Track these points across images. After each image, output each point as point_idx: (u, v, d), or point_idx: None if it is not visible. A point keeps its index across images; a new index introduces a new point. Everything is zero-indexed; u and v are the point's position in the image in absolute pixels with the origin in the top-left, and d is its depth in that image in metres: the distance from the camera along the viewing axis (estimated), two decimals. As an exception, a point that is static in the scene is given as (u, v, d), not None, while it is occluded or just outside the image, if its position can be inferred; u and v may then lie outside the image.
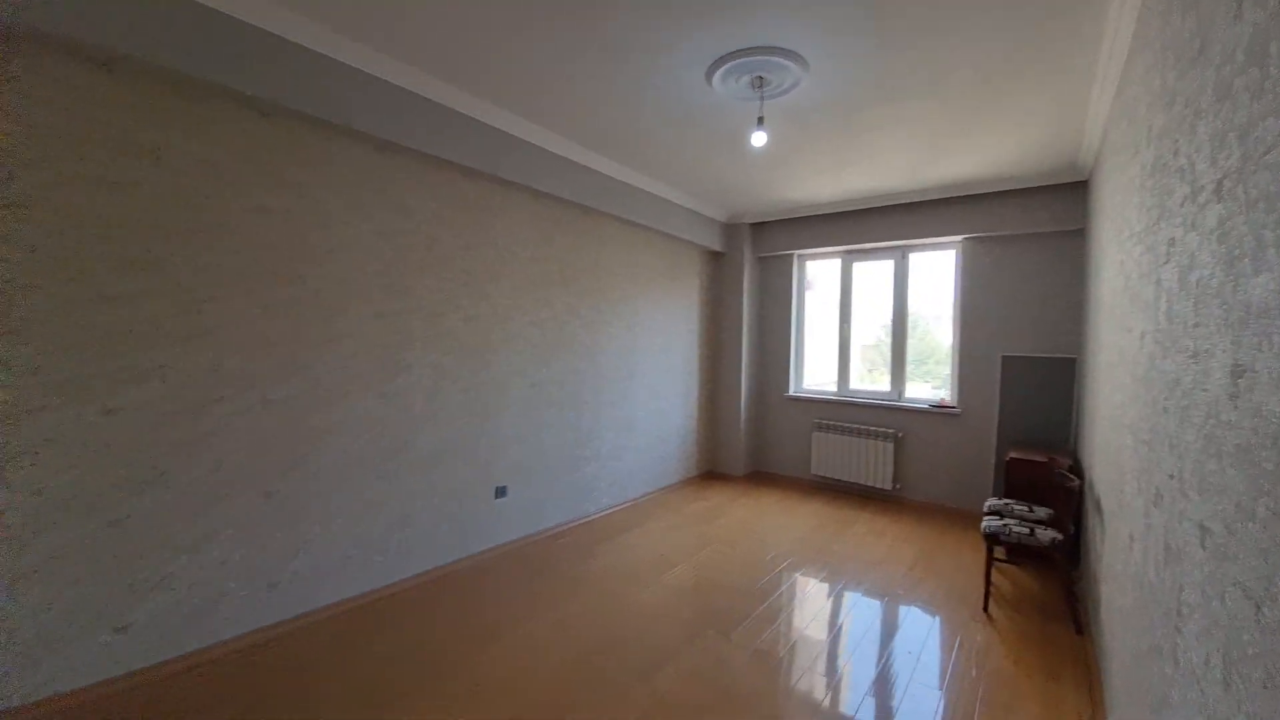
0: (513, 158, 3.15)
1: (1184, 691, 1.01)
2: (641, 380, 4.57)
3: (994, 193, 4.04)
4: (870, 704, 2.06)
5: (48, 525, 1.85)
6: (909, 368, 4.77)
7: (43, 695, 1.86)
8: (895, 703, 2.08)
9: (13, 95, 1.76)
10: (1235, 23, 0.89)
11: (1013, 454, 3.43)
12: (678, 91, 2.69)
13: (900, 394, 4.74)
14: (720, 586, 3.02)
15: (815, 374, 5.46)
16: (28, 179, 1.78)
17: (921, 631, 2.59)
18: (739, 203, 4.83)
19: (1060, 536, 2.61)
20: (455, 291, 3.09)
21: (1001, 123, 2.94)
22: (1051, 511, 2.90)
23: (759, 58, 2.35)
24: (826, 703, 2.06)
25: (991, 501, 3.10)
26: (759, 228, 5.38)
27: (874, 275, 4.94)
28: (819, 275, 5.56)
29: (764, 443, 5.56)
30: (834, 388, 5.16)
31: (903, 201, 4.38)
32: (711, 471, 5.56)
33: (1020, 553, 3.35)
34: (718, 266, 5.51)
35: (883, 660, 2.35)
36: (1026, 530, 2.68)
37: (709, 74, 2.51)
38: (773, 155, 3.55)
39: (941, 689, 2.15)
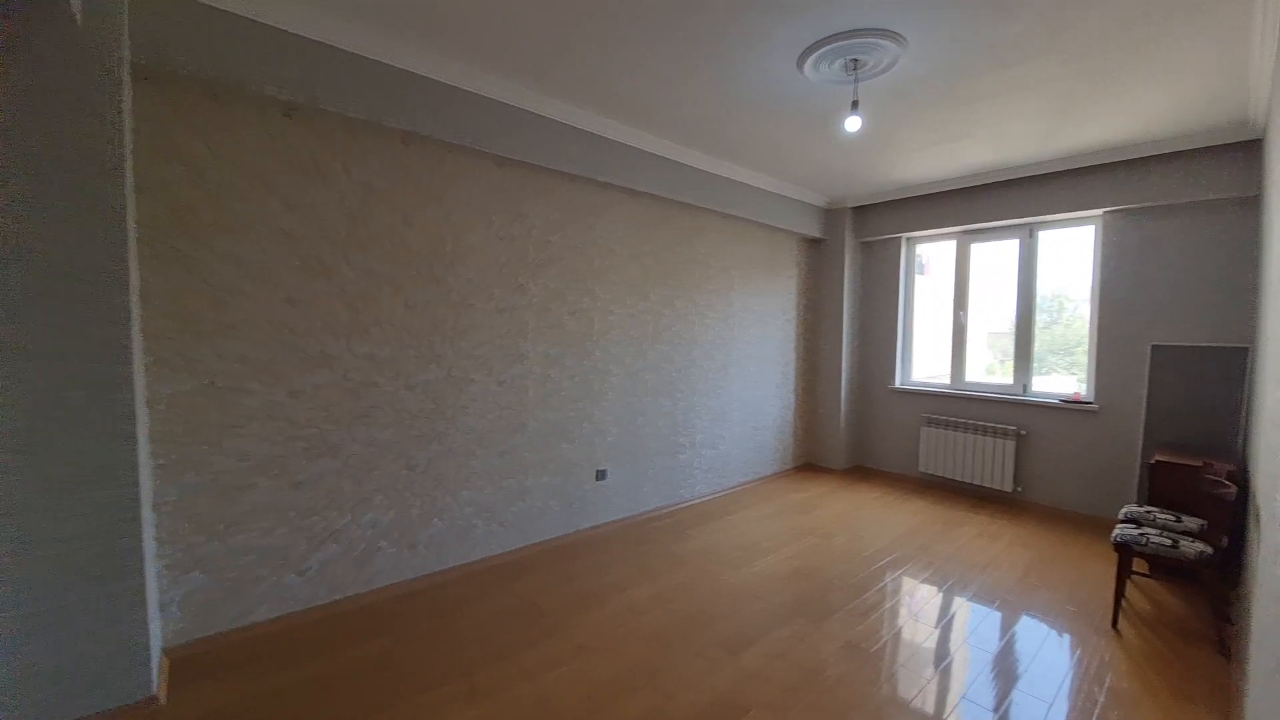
0: (612, 161, 3.34)
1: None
2: (736, 370, 4.62)
3: (1143, 158, 3.55)
4: (969, 710, 2.01)
5: (249, 485, 2.34)
6: (1035, 359, 4.35)
7: (244, 622, 2.36)
8: (998, 712, 2.00)
9: (225, 141, 2.22)
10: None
11: (1159, 456, 3.05)
12: (768, 82, 2.70)
13: (1025, 387, 4.34)
14: (813, 577, 3.03)
15: (925, 365, 5.15)
16: (236, 207, 2.25)
17: (1034, 642, 2.43)
18: (839, 187, 4.67)
19: (1210, 550, 2.31)
20: (562, 288, 3.36)
21: (1147, 76, 2.59)
22: (1204, 523, 2.56)
23: (853, 41, 2.31)
24: (919, 702, 2.04)
25: (1130, 509, 2.80)
26: (862, 211, 5.15)
27: (995, 257, 4.55)
28: (932, 259, 5.22)
29: (866, 436, 5.36)
30: (947, 380, 4.84)
31: (1029, 174, 3.98)
32: (809, 464, 5.47)
33: (1161, 567, 2.99)
34: (817, 254, 5.36)
35: (986, 667, 2.26)
36: (1169, 542, 2.41)
37: (800, 62, 2.50)
38: (874, 135, 3.41)
39: (1051, 702, 2.04)
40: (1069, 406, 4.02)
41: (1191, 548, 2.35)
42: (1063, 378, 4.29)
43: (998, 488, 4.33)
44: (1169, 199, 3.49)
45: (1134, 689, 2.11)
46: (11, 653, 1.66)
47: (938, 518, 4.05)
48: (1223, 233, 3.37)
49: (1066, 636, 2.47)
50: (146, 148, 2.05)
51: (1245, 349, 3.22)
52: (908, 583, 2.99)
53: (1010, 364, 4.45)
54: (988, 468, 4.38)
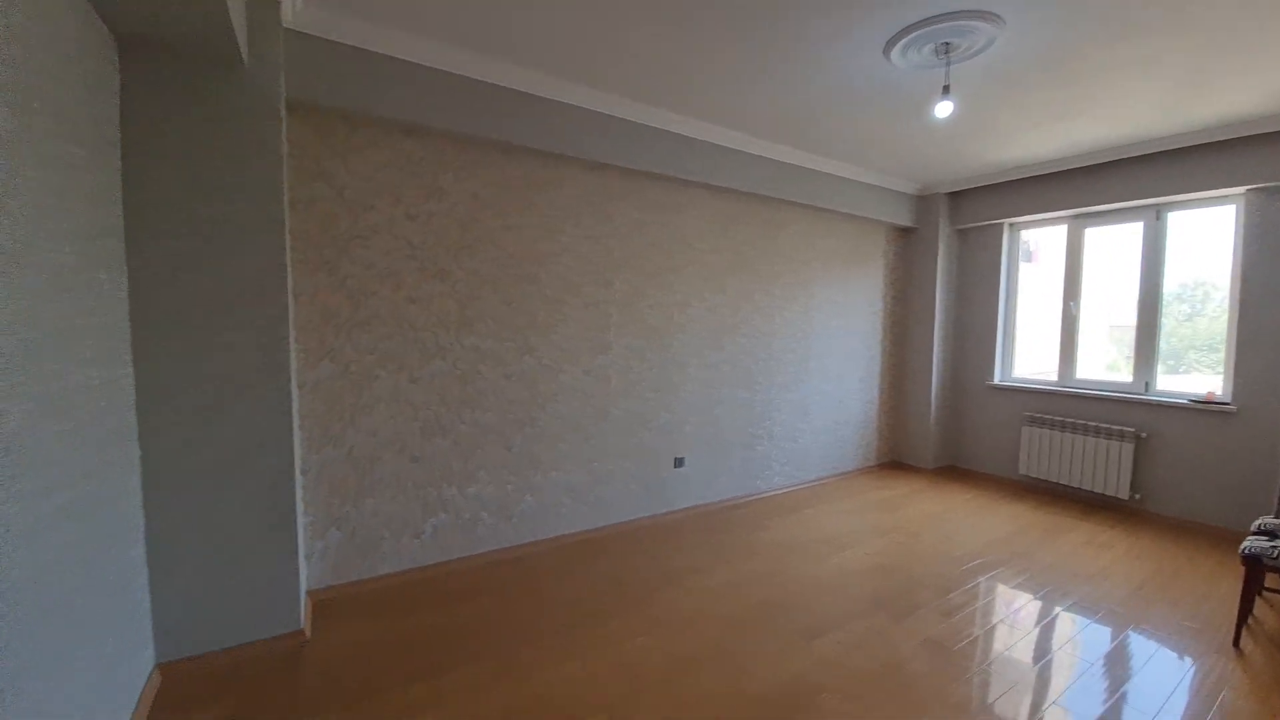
0: (693, 159, 3.44)
1: None
2: (817, 364, 4.56)
3: (1299, 129, 3.11)
4: (1059, 717, 1.94)
5: (377, 459, 2.70)
6: (1171, 355, 3.91)
7: (372, 575, 2.74)
8: None
9: (358, 161, 2.57)
10: None
11: (1312, 467, 2.70)
12: (853, 72, 2.68)
13: (1148, 385, 3.94)
14: (894, 574, 2.99)
15: (1029, 361, 4.80)
16: (368, 218, 2.60)
17: (1141, 656, 2.27)
18: (932, 172, 4.45)
19: (1367, 572, 2.04)
20: (643, 283, 3.52)
21: (1303, 44, 2.30)
22: (1364, 542, 2.26)
23: (944, 24, 2.24)
24: (1005, 704, 1.99)
25: (1265, 520, 2.51)
26: (958, 197, 4.87)
27: (1115, 243, 4.14)
28: (1040, 246, 4.83)
29: (959, 435, 5.09)
30: (1054, 376, 4.49)
31: (1155, 150, 3.59)
32: (896, 462, 5.29)
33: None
34: (907, 243, 5.14)
35: (1083, 676, 2.15)
36: (1313, 559, 2.15)
37: (887, 49, 2.46)
38: (970, 118, 3.25)
39: (1154, 716, 1.92)
40: (1200, 407, 3.61)
41: (1341, 568, 2.09)
42: (1205, 377, 3.80)
43: (1111, 494, 3.98)
44: (1336, 172, 3.03)
45: (1251, 708, 1.93)
46: (203, 586, 2.08)
47: (1038, 523, 3.80)
48: None
49: (1179, 652, 2.28)
50: (297, 169, 2.42)
51: None
52: (1000, 587, 2.87)
53: (1119, 360, 4.05)
54: (1100, 472, 4.03)
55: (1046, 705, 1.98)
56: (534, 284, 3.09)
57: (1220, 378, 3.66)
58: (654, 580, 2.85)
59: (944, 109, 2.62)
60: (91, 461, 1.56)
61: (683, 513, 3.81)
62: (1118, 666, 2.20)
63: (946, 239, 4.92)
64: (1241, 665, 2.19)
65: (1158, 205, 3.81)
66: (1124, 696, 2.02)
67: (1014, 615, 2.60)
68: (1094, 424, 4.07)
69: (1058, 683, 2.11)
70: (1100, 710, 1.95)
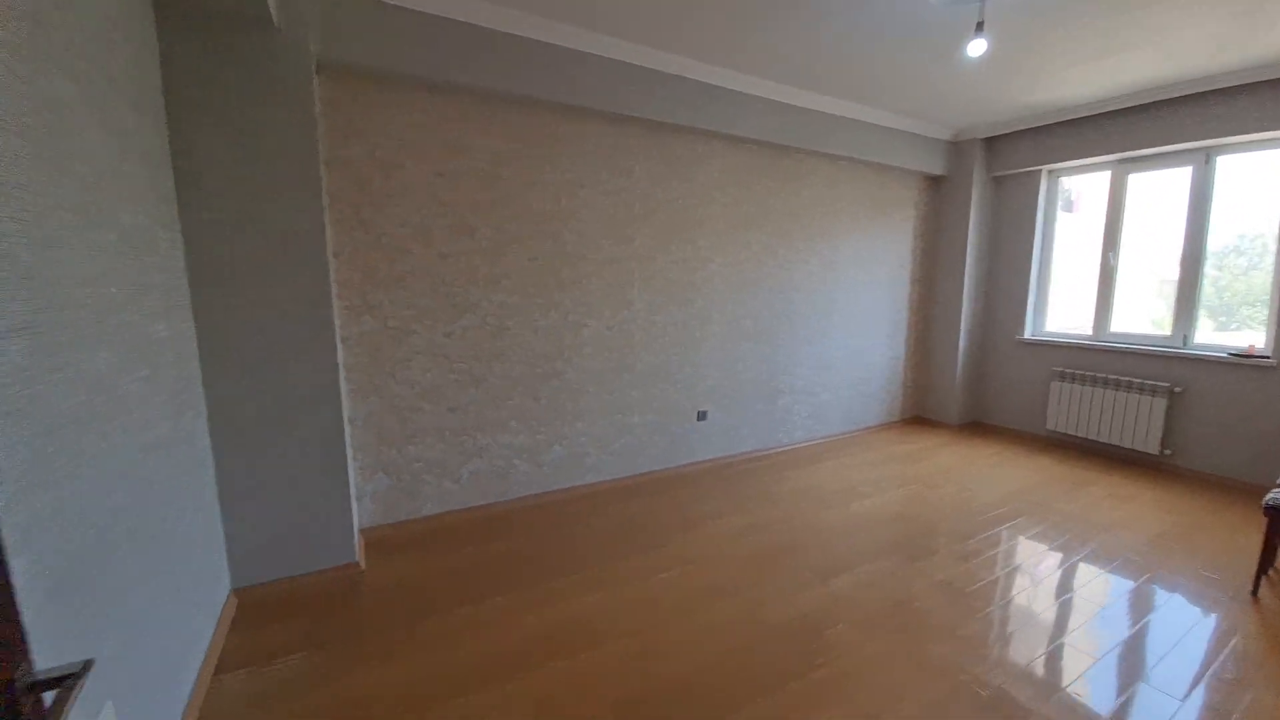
0: (713, 108, 3.38)
1: None
2: (840, 318, 4.55)
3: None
4: (1068, 654, 2.03)
5: (417, 409, 2.87)
6: (1216, 310, 3.77)
7: (416, 515, 2.95)
8: (1099, 658, 2.00)
9: (389, 120, 2.62)
10: None
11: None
12: (880, 8, 2.57)
13: (1185, 339, 3.84)
14: (913, 522, 3.08)
15: (1062, 315, 4.69)
16: (400, 176, 2.67)
17: (1154, 601, 2.34)
18: (967, 116, 4.27)
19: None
20: (665, 238, 3.54)
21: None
22: (1394, 492, 2.24)
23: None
24: (1013, 641, 2.09)
25: (1294, 472, 2.49)
26: (994, 142, 4.67)
27: (1161, 189, 3.95)
28: (1082, 194, 4.63)
29: (986, 390, 5.06)
30: (1088, 330, 4.39)
31: (1206, 89, 3.38)
32: (920, 417, 5.30)
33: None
34: (938, 192, 4.98)
35: (1092, 618, 2.23)
36: (1338, 509, 2.15)
37: (922, -13, 2.35)
38: (1006, 56, 3.10)
39: (1164, 656, 2.00)
40: (1239, 361, 3.52)
41: (1366, 516, 2.09)
42: (1256, 334, 3.59)
43: (1140, 449, 3.95)
44: None
45: (1260, 651, 1.99)
46: (268, 521, 2.29)
47: (1061, 476, 3.82)
48: None
49: (1195, 599, 2.34)
50: (331, 129, 2.50)
51: None
52: (1017, 536, 2.94)
53: (1157, 313, 3.93)
54: (1130, 427, 3.99)
55: (1055, 642, 2.07)
56: (556, 240, 3.15)
57: (1224, 329, 3.53)
58: (676, 525, 3.01)
59: (977, 47, 2.51)
60: (168, 406, 1.73)
61: (705, 464, 3.94)
62: (1131, 611, 2.28)
63: (980, 187, 4.75)
64: (1258, 613, 2.23)
65: (1207, 148, 3.61)
66: (1134, 638, 2.10)
67: (1029, 561, 2.68)
68: (1126, 379, 4.01)
69: (1068, 623, 2.20)
70: (1108, 649, 2.04)
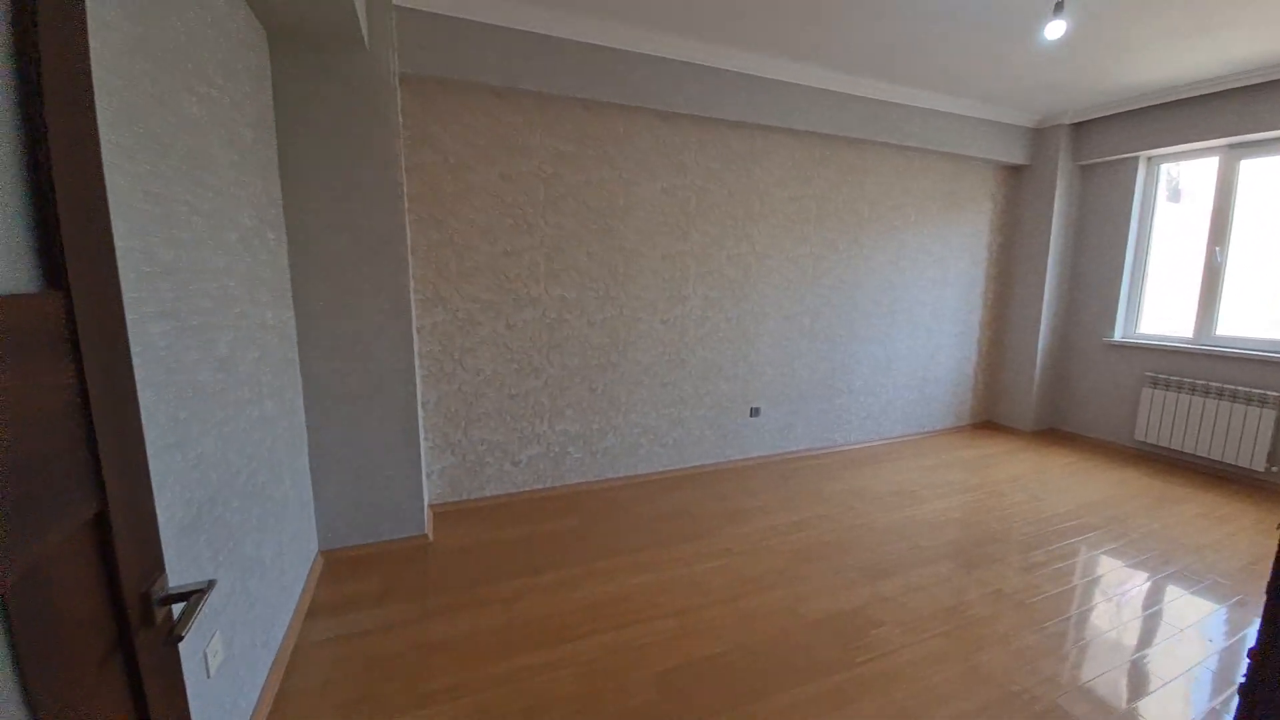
0: (772, 102, 3.37)
1: None
2: (905, 316, 4.40)
3: None
4: (1135, 676, 1.93)
5: (480, 395, 3.08)
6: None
7: (478, 496, 3.17)
8: (1167, 680, 1.89)
9: (458, 127, 2.82)
10: None
11: None
12: None
13: (1306, 345, 3.45)
14: (972, 529, 2.97)
15: (1157, 316, 4.31)
16: (468, 179, 2.87)
17: (1239, 630, 2.15)
18: (1052, 100, 3.99)
19: None
20: (721, 234, 3.57)
21: None
22: None
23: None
24: (1073, 657, 2.01)
25: None
26: (1083, 128, 4.34)
27: (1278, 177, 3.55)
28: (1187, 183, 4.23)
29: (1066, 395, 4.74)
30: (1188, 333, 4.02)
31: (1347, 65, 3.00)
32: (990, 422, 5.04)
33: None
34: (1017, 183, 4.69)
35: (1167, 640, 2.09)
36: None
37: (995, -29, 2.26)
38: (1095, 35, 2.90)
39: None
40: (1373, 370, 3.12)
41: None
42: None
43: (1244, 466, 3.59)
44: None
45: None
46: (351, 491, 2.56)
47: (1146, 490, 3.54)
48: None
49: (1290, 628, 2.14)
50: (409, 138, 2.72)
51: None
52: (1089, 550, 2.77)
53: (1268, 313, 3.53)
54: (1232, 441, 3.63)
55: (1123, 661, 1.97)
56: (613, 237, 3.26)
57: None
58: (723, 517, 3.06)
59: (1055, 29, 2.38)
60: (275, 383, 1.99)
61: (757, 460, 3.96)
62: (1214, 635, 2.12)
63: (1067, 176, 4.43)
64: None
65: (1344, 130, 3.21)
66: (1211, 666, 1.96)
67: (1101, 577, 2.53)
68: (1231, 387, 3.64)
69: (1140, 643, 2.08)
70: (1182, 672, 1.92)
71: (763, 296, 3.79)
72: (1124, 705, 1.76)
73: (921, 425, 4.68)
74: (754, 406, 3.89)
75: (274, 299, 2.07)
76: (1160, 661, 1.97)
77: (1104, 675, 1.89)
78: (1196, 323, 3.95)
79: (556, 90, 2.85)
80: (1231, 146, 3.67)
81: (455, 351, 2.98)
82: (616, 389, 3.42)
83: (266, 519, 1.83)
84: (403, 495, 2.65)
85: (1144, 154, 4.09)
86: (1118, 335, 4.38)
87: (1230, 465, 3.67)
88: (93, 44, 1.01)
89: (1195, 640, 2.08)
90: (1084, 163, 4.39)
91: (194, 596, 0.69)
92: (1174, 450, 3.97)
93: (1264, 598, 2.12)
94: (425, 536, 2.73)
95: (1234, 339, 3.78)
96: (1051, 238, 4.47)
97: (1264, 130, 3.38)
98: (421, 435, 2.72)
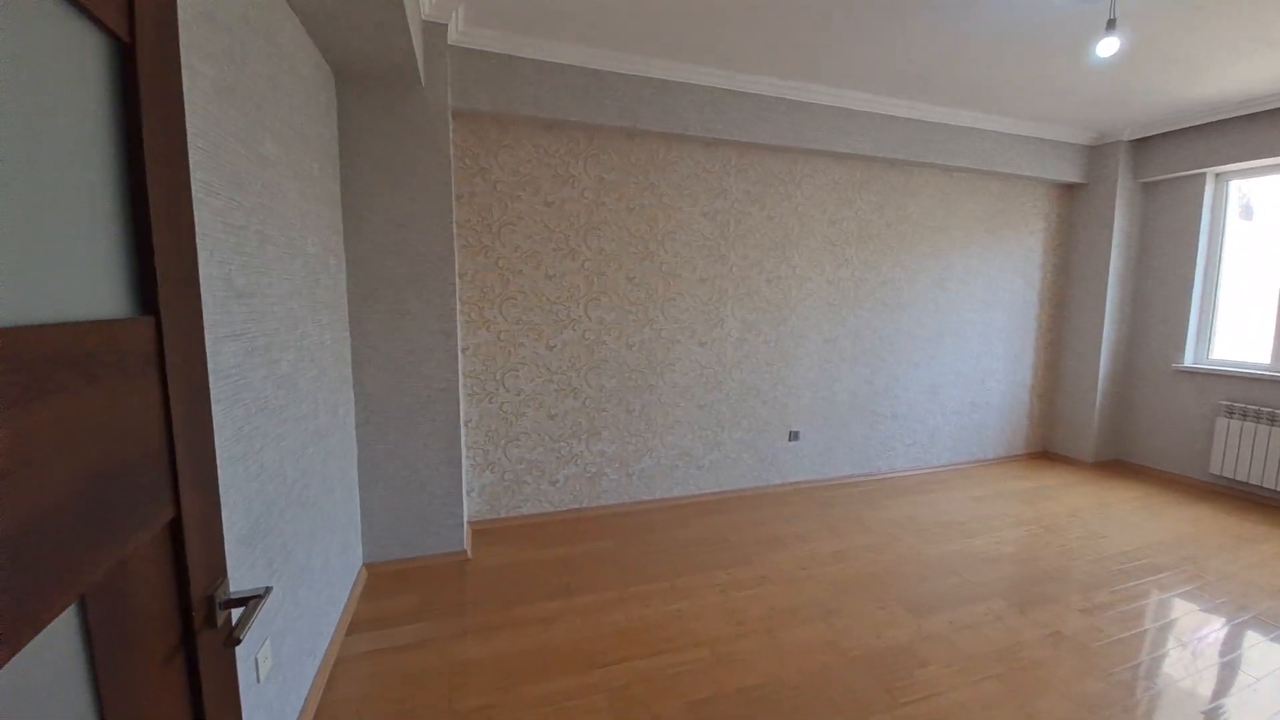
0: (813, 126, 3.38)
1: None
2: (952, 340, 4.26)
3: None
4: (1210, 724, 1.77)
5: (520, 414, 3.15)
6: None
7: (516, 513, 3.22)
8: (1253, 736, 1.72)
9: (507, 156, 2.95)
10: None
11: None
12: (998, 12, 2.45)
13: None
14: (1028, 565, 2.81)
15: (1232, 340, 4.02)
16: (515, 206, 2.99)
17: (1343, 685, 1.95)
18: (1111, 117, 3.85)
19: None
20: (760, 257, 3.57)
21: None
22: None
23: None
24: (1142, 707, 1.86)
25: None
26: (1144, 144, 4.15)
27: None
28: (1258, 200, 3.97)
29: (1130, 425, 4.45)
30: (1266, 359, 3.73)
31: None
32: (1046, 452, 4.78)
33: None
34: (1073, 203, 4.51)
35: (1247, 692, 1.91)
36: None
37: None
38: (1152, 49, 2.79)
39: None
40: None
41: None
42: None
43: (1340, 505, 3.27)
44: None
45: None
46: (395, 506, 2.64)
47: (1223, 529, 3.27)
48: None
49: (1402, 691, 1.92)
50: (460, 168, 2.86)
51: None
52: (1158, 591, 2.57)
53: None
54: (1326, 478, 3.32)
55: (1197, 711, 1.81)
56: (653, 260, 3.31)
57: None
58: (761, 543, 3.00)
59: (1108, 47, 2.30)
60: (331, 399, 2.10)
61: (795, 485, 3.87)
62: (1302, 690, 1.92)
63: (1127, 195, 4.23)
64: None
65: None
66: (1302, 721, 1.78)
67: (1172, 621, 2.34)
68: (1322, 419, 3.35)
69: (1215, 692, 1.90)
70: (1265, 729, 1.74)
71: (801, 319, 3.75)
72: (1203, 767, 1.61)
73: (972, 454, 4.48)
74: (793, 430, 3.82)
75: (333, 320, 2.19)
76: (1236, 713, 1.79)
77: (1179, 732, 1.74)
78: (1275, 347, 3.66)
79: (602, 121, 2.95)
80: (1312, 161, 3.44)
81: (497, 371, 3.06)
82: (653, 410, 3.43)
83: (317, 530, 1.92)
84: (444, 511, 2.72)
85: (1211, 170, 3.87)
86: (1188, 361, 4.10)
87: (1324, 505, 3.35)
88: (186, 92, 1.12)
89: (1273, 690, 1.89)
90: (1146, 180, 4.19)
91: (252, 601, 0.74)
92: (1252, 485, 3.66)
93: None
94: (464, 553, 2.78)
95: (1323, 367, 3.48)
96: (1111, 257, 4.26)
97: (1349, 144, 3.16)
98: (464, 452, 2.79)
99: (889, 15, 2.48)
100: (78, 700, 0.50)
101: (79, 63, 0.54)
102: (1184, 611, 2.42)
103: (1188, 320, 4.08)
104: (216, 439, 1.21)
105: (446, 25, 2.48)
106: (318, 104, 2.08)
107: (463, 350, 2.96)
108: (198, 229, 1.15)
